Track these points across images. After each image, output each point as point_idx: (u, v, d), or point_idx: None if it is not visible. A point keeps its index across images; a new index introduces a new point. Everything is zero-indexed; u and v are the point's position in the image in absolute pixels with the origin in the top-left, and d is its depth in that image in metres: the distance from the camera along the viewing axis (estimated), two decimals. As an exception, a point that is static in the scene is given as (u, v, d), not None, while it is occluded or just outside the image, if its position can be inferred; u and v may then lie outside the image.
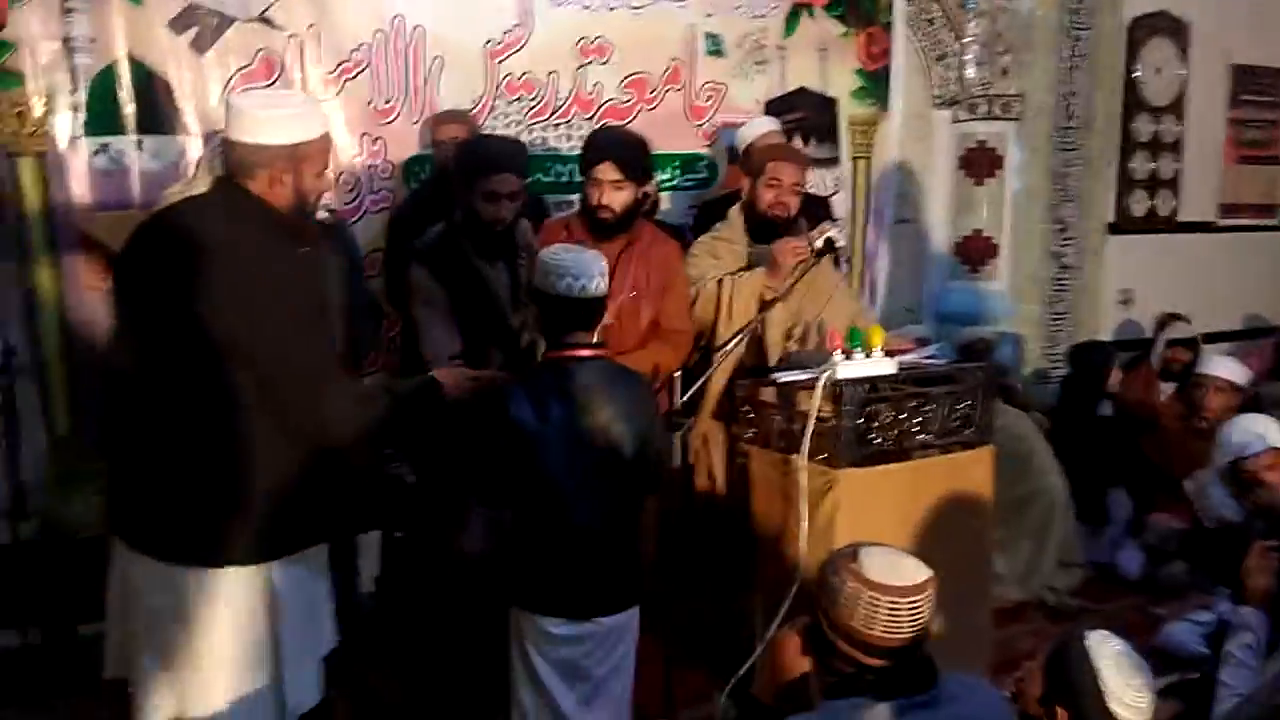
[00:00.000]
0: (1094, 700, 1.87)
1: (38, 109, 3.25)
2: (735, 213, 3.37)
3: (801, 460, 2.86)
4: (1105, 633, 1.94)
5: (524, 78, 3.89)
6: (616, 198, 2.99)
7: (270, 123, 2.05)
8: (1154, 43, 5.59)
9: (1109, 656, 1.88)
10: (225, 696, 2.04)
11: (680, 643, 3.39)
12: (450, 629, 2.94)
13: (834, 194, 4.62)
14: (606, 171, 2.97)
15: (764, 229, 3.27)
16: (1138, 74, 5.58)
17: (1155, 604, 3.95)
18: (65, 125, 3.30)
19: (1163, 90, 5.71)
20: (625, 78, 4.06)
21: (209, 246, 1.97)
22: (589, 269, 2.30)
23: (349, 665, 3.09)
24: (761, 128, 3.93)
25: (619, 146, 3.06)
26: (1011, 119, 5.10)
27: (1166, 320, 5.49)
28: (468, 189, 2.74)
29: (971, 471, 3.05)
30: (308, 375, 2.02)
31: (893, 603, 1.69)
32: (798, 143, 4.39)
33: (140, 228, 2.12)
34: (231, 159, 2.07)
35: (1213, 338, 5.87)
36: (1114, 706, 1.86)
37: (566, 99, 3.98)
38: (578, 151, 3.96)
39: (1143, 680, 1.87)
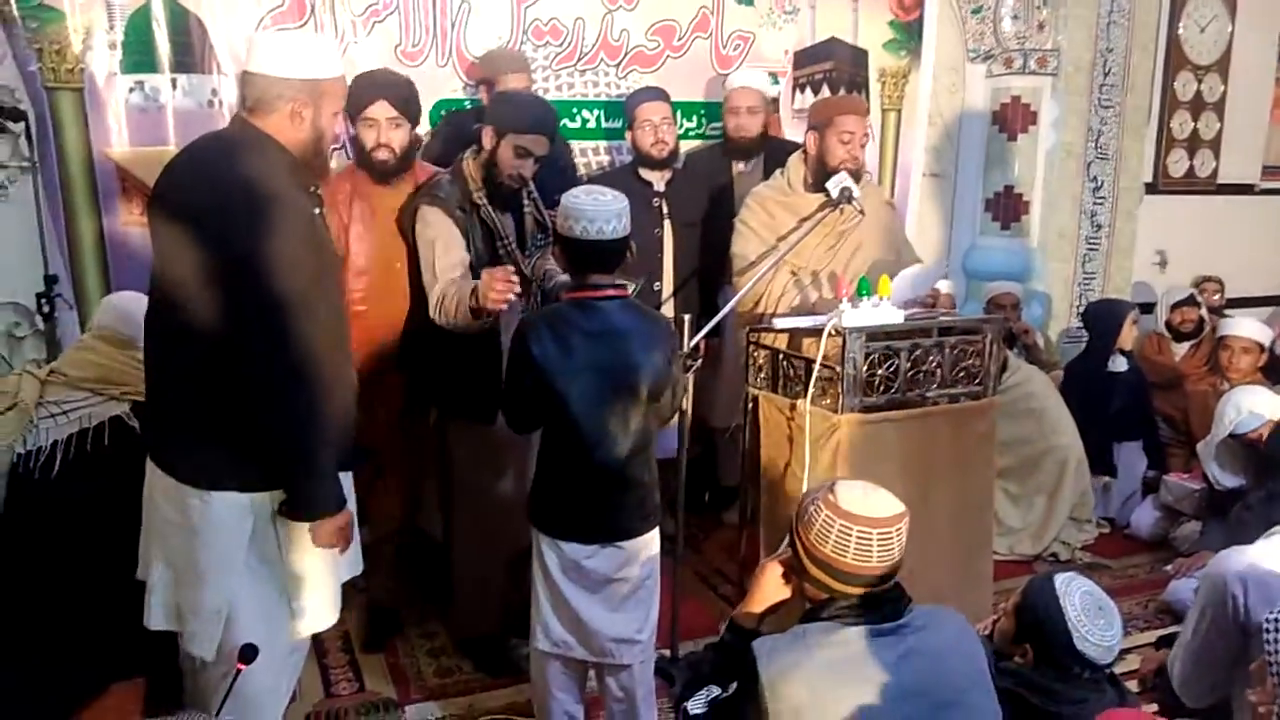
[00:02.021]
0: (1062, 637, 1.93)
1: (76, 45, 3.34)
2: (796, 162, 3.35)
3: (805, 405, 2.92)
4: (1073, 574, 2.00)
5: (550, 23, 3.92)
6: (395, 137, 2.95)
7: (294, 56, 2.07)
8: (1199, -1, 5.48)
9: (1076, 596, 1.94)
10: (214, 610, 2.12)
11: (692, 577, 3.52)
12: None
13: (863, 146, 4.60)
14: (383, 109, 2.93)
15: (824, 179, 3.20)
16: (1181, 31, 5.47)
17: (1166, 561, 3.97)
18: (102, 62, 3.38)
19: (1208, 48, 5.59)
20: (652, 25, 4.07)
21: (215, 185, 2.00)
22: (605, 213, 2.35)
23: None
24: (734, 82, 3.91)
25: (392, 85, 3.01)
26: (1048, 74, 5.02)
27: (1201, 283, 5.47)
28: (497, 137, 2.76)
29: (975, 424, 3.09)
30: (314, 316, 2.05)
31: (863, 532, 1.75)
32: (825, 93, 4.39)
33: (168, 165, 2.15)
34: (251, 92, 2.07)
35: (1249, 302, 5.81)
36: (1080, 644, 1.92)
37: (593, 46, 4.00)
38: (604, 98, 4.07)
39: (1108, 619, 1.93)
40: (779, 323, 3.05)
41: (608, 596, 2.44)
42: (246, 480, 2.09)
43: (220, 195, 1.99)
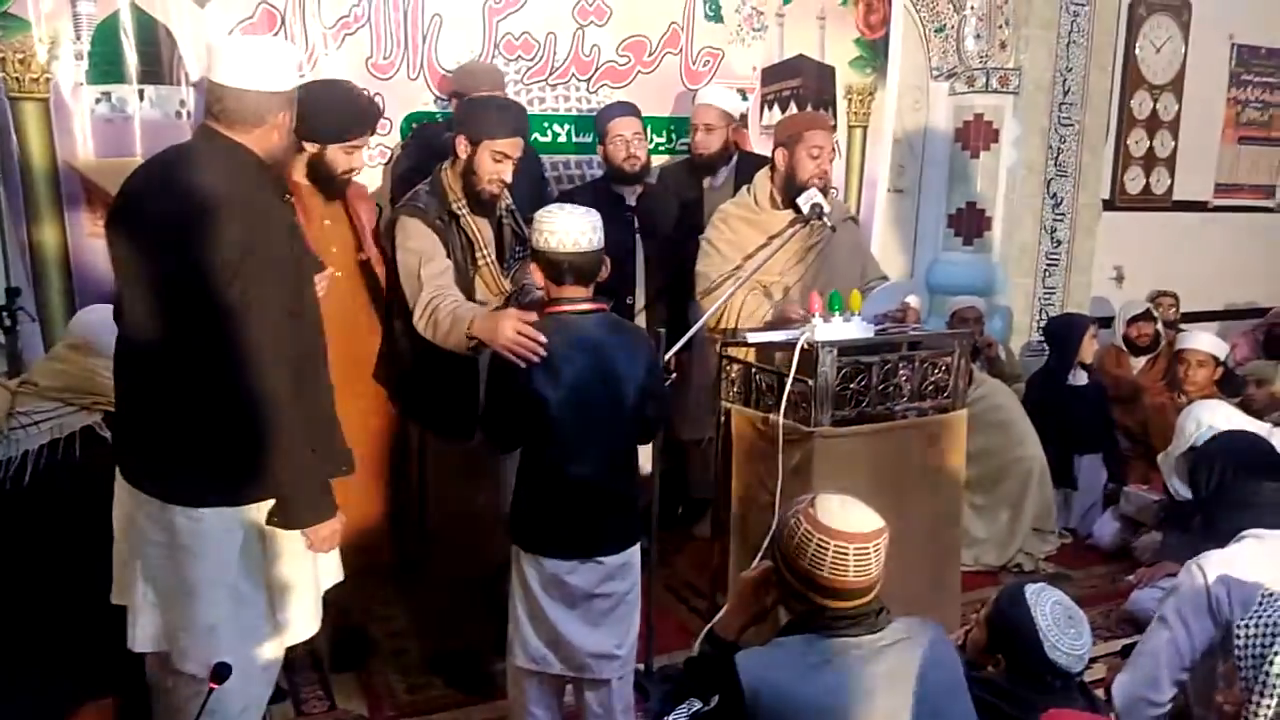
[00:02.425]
0: (1034, 647, 1.97)
1: (41, 55, 3.30)
2: (762, 179, 3.35)
3: (778, 419, 2.94)
4: (1043, 584, 2.04)
5: (522, 37, 3.94)
6: (360, 159, 2.92)
7: (276, 69, 2.07)
8: (1155, 20, 5.62)
9: (1047, 606, 1.97)
10: (207, 626, 2.10)
11: (663, 590, 3.51)
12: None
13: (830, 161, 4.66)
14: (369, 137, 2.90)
15: (794, 195, 3.22)
16: (1138, 51, 5.61)
17: (1127, 572, 4.04)
18: (68, 72, 3.34)
19: (1162, 68, 5.74)
20: (623, 40, 4.10)
21: (199, 199, 1.97)
22: (580, 225, 2.36)
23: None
24: (699, 98, 3.93)
25: (378, 115, 2.99)
26: (1009, 93, 5.12)
27: (1157, 298, 5.59)
28: (472, 145, 2.75)
29: (944, 436, 3.12)
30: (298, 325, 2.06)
31: (840, 547, 1.76)
32: (793, 109, 4.44)
33: (133, 177, 2.12)
34: (232, 105, 2.03)
35: (1203, 316, 5.95)
36: (1051, 653, 1.95)
37: (564, 60, 4.03)
38: (575, 113, 4.09)
39: (1078, 628, 1.96)
40: (751, 337, 3.07)
41: (588, 612, 2.43)
42: (236, 494, 2.07)
43: (208, 208, 1.96)
